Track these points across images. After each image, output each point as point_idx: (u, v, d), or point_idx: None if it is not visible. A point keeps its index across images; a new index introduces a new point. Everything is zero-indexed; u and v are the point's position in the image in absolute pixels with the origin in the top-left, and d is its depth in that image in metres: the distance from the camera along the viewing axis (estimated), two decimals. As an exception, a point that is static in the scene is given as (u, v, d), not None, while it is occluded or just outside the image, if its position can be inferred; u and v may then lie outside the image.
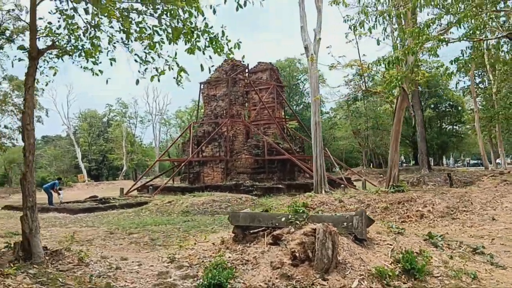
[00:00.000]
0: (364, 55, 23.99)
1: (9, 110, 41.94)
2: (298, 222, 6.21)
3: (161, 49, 6.58)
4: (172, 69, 6.47)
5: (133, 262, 6.73)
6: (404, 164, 64.88)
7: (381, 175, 40.14)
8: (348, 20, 12.98)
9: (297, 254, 5.53)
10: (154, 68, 6.33)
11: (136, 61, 6.42)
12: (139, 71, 6.32)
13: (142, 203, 22.86)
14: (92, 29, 6.29)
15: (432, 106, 53.44)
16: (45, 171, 65.94)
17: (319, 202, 15.13)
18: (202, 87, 34.10)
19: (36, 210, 6.06)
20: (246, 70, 34.54)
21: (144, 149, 71.08)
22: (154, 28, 6.27)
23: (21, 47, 5.77)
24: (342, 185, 26.05)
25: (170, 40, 6.29)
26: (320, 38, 18.14)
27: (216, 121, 32.43)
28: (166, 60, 6.37)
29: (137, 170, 69.55)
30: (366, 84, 26.56)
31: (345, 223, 6.20)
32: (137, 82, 6.48)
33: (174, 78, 6.35)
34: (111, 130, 66.86)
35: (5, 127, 42.06)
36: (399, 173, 16.83)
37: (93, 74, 6.83)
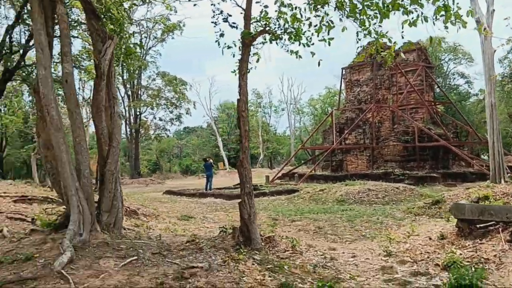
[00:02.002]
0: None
1: (162, 103, 45.99)
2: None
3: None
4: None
5: (343, 253, 6.41)
6: None
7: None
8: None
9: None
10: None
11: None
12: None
13: (290, 191, 22.91)
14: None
15: None
16: (189, 159, 71.35)
17: (502, 193, 13.41)
18: (344, 72, 33.19)
19: (253, 196, 6.05)
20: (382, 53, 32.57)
21: (278, 137, 72.51)
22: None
23: (245, 33, 5.74)
24: (509, 174, 23.16)
25: (384, 13, 5.77)
26: (493, 10, 16.10)
27: (359, 107, 31.32)
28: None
29: (272, 158, 71.32)
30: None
31: None
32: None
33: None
34: (248, 120, 69.31)
35: (160, 119, 46.16)
36: None
37: (297, 57, 6.65)
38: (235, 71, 6.83)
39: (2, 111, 41.91)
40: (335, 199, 19.34)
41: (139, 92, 48.85)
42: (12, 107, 41.37)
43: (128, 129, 49.22)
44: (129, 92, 48.20)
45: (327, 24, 5.82)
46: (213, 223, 14.32)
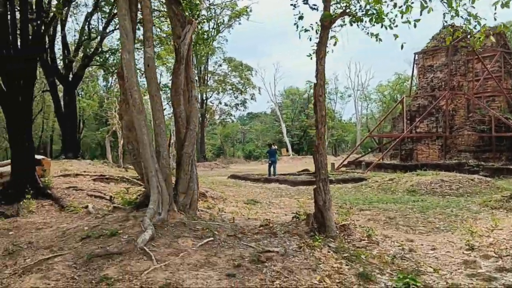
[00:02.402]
0: None
1: (228, 89, 46.66)
2: None
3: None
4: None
5: (422, 245, 6.15)
6: None
7: None
8: None
9: None
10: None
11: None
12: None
13: (357, 179, 22.43)
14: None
15: None
16: (252, 144, 72.06)
17: None
18: (416, 57, 31.72)
19: (328, 183, 5.93)
20: (468, 36, 30.64)
21: (343, 124, 71.18)
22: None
23: (326, 15, 5.58)
24: None
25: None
26: None
27: (432, 94, 29.84)
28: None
29: (337, 146, 70.25)
30: None
31: None
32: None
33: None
34: (311, 106, 68.60)
35: (225, 104, 46.91)
36: None
37: (377, 40, 6.40)
38: (310, 54, 6.69)
39: (80, 95, 44.35)
40: (405, 189, 18.67)
41: (206, 78, 49.86)
42: (88, 91, 43.72)
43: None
44: (196, 78, 49.34)
45: (412, 4, 5.49)
46: (279, 208, 14.36)
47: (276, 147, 27.24)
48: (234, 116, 54.08)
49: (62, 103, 23.47)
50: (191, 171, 6.40)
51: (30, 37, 12.33)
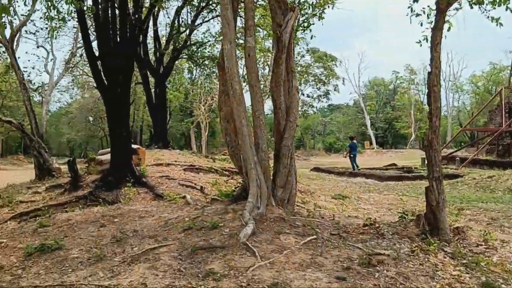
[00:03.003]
0: None
1: (310, 80, 46.01)
2: None
3: None
4: None
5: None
6: None
7: None
8: None
9: None
10: None
11: None
12: None
13: (452, 176, 20.94)
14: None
15: None
16: (333, 136, 70.70)
17: None
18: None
19: (442, 181, 5.39)
20: None
21: (432, 117, 67.14)
22: None
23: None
24: None
25: None
26: None
27: (538, 85, 27.07)
28: None
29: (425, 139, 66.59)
30: None
31: None
32: None
33: None
34: (397, 97, 65.82)
35: (308, 95, 46.36)
36: None
37: (497, 25, 5.70)
38: (420, 41, 6.16)
39: (167, 87, 46.13)
40: (506, 187, 17.08)
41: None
42: (175, 83, 45.31)
43: (277, 106, 50.49)
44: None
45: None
46: (369, 204, 13.76)
47: (355, 140, 26.39)
48: (315, 107, 53.31)
49: (153, 95, 24.49)
50: (290, 165, 6.18)
51: (127, 33, 12.84)
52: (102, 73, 12.54)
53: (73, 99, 59.42)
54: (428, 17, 6.04)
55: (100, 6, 11.99)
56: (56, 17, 7.87)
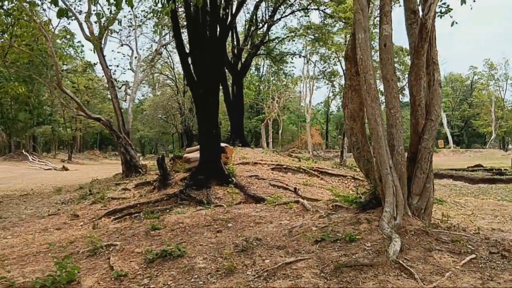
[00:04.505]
0: None
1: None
2: None
3: None
4: None
5: None
6: None
7: None
8: None
9: None
10: None
11: None
12: None
13: None
14: None
15: None
16: (403, 135, 67.64)
17: None
18: None
19: None
20: None
21: (515, 114, 62.51)
22: None
23: None
24: None
25: None
26: None
27: None
28: None
29: (506, 138, 62.11)
30: None
31: None
32: None
33: None
34: (475, 94, 61.76)
35: (381, 93, 44.49)
36: None
37: None
38: None
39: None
40: None
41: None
42: (245, 80, 45.36)
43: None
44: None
45: None
46: (469, 210, 12.59)
47: None
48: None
49: (230, 92, 24.30)
50: (429, 169, 5.41)
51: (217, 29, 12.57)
52: (192, 69, 12.37)
53: (144, 97, 61.47)
54: None
55: (191, 3, 11.80)
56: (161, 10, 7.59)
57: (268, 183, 12.06)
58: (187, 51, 12.62)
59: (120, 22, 9.90)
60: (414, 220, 5.34)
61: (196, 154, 13.23)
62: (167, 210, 10.56)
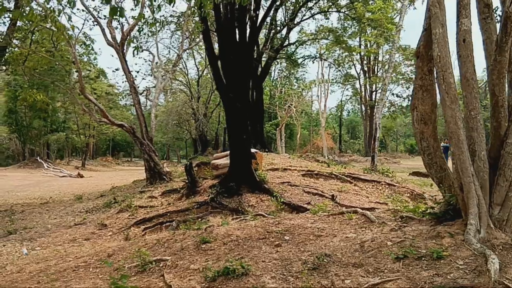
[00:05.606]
0: None
1: (400, 78, 43.45)
2: None
3: None
4: None
5: None
6: None
7: None
8: None
9: None
10: None
11: None
12: None
13: None
14: None
15: None
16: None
17: None
18: None
19: None
20: None
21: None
22: None
23: None
24: None
25: None
26: None
27: None
28: None
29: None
30: None
31: None
32: None
33: None
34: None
35: (396, 95, 43.84)
36: None
37: None
38: None
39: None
40: None
41: (375, 68, 47.50)
42: (264, 85, 44.94)
43: (362, 107, 48.69)
44: (365, 68, 47.26)
45: None
46: None
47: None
48: (403, 107, 50.40)
49: (249, 96, 23.85)
50: (512, 177, 4.92)
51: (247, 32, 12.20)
52: (221, 73, 11.99)
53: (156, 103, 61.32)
54: None
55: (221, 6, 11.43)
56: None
57: (301, 190, 11.60)
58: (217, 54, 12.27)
59: (142, 27, 9.48)
60: (497, 233, 4.84)
61: (225, 160, 12.81)
62: (200, 219, 10.15)
